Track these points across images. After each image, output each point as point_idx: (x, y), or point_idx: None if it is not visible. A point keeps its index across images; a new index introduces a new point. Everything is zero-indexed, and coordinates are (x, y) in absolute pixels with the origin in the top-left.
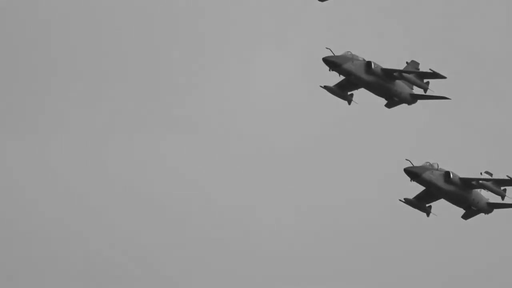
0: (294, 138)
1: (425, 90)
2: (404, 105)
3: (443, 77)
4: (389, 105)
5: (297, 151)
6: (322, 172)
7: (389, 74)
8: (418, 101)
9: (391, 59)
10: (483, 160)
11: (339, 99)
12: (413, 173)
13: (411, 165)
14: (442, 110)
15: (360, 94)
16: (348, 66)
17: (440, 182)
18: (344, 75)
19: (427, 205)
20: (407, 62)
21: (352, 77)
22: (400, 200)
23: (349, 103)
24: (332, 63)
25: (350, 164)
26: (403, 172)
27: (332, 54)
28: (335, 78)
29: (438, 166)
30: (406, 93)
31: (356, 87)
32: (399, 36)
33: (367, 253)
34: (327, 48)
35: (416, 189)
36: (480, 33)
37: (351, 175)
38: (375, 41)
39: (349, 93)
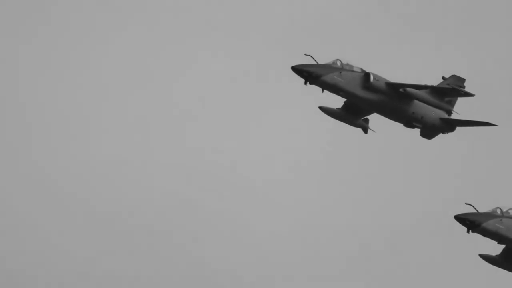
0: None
1: (449, 113)
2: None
3: (469, 94)
4: (425, 134)
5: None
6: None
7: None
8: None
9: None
10: None
11: (351, 127)
12: (468, 222)
13: (472, 212)
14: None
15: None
16: (330, 78)
17: None
18: (331, 92)
19: None
20: (444, 78)
21: (341, 93)
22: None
23: (365, 131)
24: (306, 73)
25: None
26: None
27: (315, 62)
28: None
29: None
30: (431, 116)
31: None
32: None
33: None
34: (306, 54)
35: None
36: None
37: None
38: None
39: (362, 118)
